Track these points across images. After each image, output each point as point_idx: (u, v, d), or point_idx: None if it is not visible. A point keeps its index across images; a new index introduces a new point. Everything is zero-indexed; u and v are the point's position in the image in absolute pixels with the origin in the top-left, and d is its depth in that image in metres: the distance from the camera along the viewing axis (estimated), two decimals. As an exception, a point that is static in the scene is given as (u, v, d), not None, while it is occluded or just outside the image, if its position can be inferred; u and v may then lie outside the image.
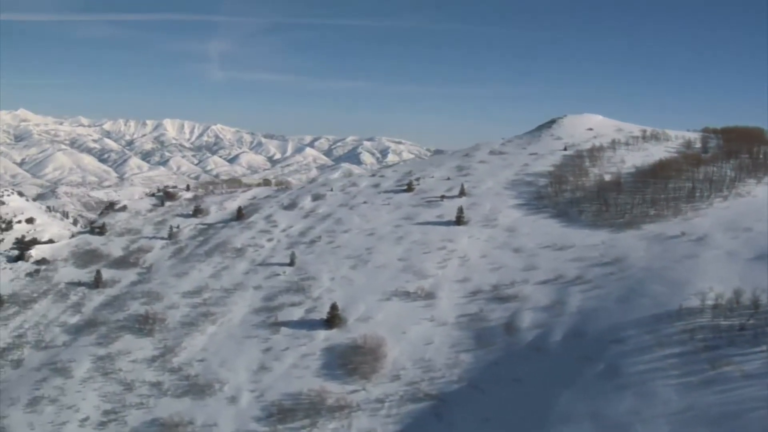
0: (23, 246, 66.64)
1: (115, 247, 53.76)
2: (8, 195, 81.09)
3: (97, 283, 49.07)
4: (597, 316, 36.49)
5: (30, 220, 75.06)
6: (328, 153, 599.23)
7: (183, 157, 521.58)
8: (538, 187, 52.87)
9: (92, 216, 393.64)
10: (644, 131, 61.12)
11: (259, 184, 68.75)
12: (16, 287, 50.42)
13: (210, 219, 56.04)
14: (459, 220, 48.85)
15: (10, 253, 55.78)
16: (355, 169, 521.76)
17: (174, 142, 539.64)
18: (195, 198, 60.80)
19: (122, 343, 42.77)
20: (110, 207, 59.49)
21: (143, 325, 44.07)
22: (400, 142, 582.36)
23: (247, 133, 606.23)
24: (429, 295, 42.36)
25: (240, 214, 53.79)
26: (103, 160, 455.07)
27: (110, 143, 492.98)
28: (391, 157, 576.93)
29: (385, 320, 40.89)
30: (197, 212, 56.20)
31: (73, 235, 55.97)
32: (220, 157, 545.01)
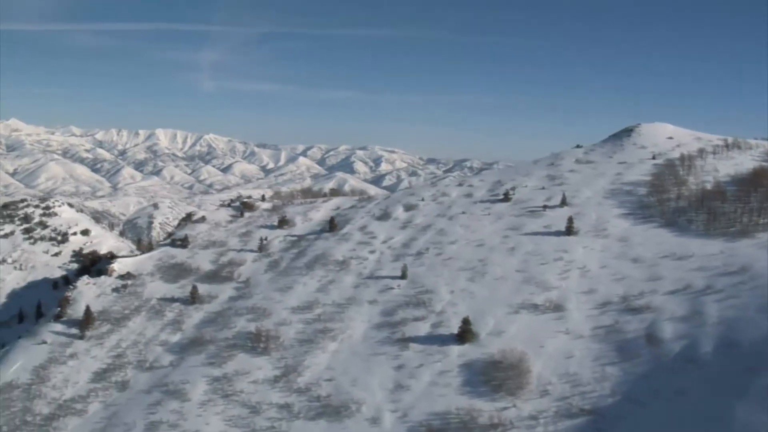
0: (89, 259, 63.01)
1: (202, 261, 50.63)
2: (59, 206, 76.91)
3: (193, 298, 45.94)
4: (743, 326, 34.97)
5: (85, 232, 71.07)
6: (321, 162, 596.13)
7: (176, 166, 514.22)
8: (639, 197, 51.43)
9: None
10: (725, 140, 60.32)
11: (324, 194, 66.06)
12: (105, 303, 47.00)
13: (298, 230, 53.25)
14: (569, 230, 47.03)
15: (77, 267, 52.15)
16: (350, 179, 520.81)
17: (167, 151, 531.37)
18: (274, 208, 57.90)
19: (237, 362, 39.84)
20: (188, 219, 56.20)
21: (256, 343, 41.19)
22: (393, 151, 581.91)
23: (239, 143, 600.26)
24: (558, 308, 40.45)
25: (333, 225, 51.14)
26: (96, 170, 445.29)
27: (103, 153, 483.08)
28: (384, 166, 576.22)
29: (518, 334, 38.84)
30: (283, 223, 53.37)
31: (150, 248, 52.61)
32: (213, 166, 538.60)
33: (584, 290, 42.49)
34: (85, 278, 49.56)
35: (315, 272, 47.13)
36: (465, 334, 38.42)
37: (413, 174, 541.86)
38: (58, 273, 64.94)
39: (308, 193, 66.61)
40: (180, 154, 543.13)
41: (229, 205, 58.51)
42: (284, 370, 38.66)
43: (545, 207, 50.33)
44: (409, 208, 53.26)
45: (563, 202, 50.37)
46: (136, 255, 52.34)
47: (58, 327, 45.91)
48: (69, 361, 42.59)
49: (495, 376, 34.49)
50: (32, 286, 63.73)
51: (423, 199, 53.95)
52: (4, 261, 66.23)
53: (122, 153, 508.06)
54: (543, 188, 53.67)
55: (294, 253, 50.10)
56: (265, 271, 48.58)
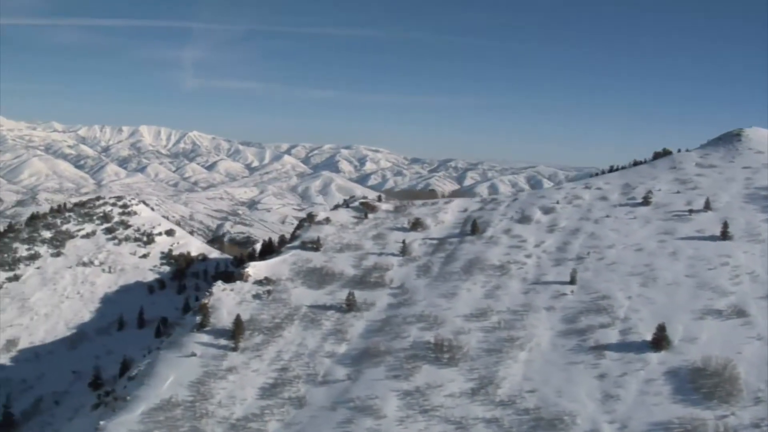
0: (184, 261, 58.31)
1: (343, 265, 46.90)
2: (136, 204, 71.02)
3: (350, 306, 42.29)
4: None
5: (170, 232, 65.64)
6: (305, 161, 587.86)
7: (161, 164, 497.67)
8: (778, 201, 50.45)
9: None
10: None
11: (441, 195, 62.78)
12: (250, 312, 42.79)
13: (434, 233, 50.11)
14: (725, 235, 45.60)
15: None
16: (336, 178, 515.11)
17: (151, 148, 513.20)
18: (396, 210, 54.47)
19: (424, 375, 36.60)
20: (310, 220, 52.08)
21: (439, 353, 38.03)
22: (377, 151, 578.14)
23: (224, 141, 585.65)
24: (741, 313, 39.01)
25: (475, 228, 48.24)
26: (79, 167, 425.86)
27: (86, 149, 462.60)
28: (368, 166, 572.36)
29: (710, 340, 37.15)
30: (416, 226, 50.10)
31: (278, 252, 48.36)
32: (198, 164, 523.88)
33: (761, 295, 41.21)
34: (219, 284, 45.09)
35: (475, 277, 44.19)
36: (660, 341, 36.48)
37: (398, 174, 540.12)
38: (149, 276, 59.72)
39: (407, 195, 63.23)
40: (164, 152, 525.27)
41: (347, 206, 54.78)
42: (479, 382, 35.71)
43: (690, 211, 48.77)
44: (547, 211, 50.85)
45: (707, 207, 48.94)
46: (272, 258, 48.04)
47: (204, 338, 41.46)
48: (229, 376, 38.33)
49: (703, 384, 32.70)
50: (125, 290, 58.40)
51: (558, 202, 51.62)
52: (90, 263, 60.50)
53: (105, 149, 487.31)
54: (678, 192, 52.14)
55: (441, 257, 46.99)
56: (418, 276, 45.30)
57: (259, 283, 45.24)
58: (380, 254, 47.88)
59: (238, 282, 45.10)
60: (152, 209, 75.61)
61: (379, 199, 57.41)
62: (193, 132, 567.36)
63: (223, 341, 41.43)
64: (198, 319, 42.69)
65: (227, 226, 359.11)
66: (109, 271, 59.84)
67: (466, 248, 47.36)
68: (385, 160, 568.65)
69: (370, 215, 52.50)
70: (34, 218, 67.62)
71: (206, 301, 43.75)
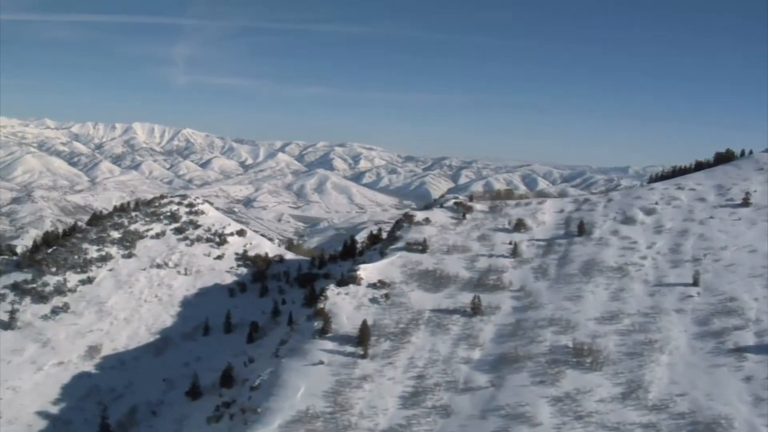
0: (264, 263, 55.94)
1: (455, 267, 45.18)
2: (201, 204, 67.93)
3: (475, 310, 40.64)
4: None
5: (241, 233, 62.75)
6: (299, 158, 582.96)
7: (154, 161, 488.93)
8: None
9: (69, 220, 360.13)
10: None
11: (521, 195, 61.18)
12: (373, 316, 40.80)
13: (538, 234, 48.70)
14: (838, 235, 45.00)
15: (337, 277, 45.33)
16: (330, 176, 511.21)
17: (144, 146, 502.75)
18: (491, 210, 52.84)
19: (570, 380, 35.33)
20: (409, 220, 50.11)
21: (579, 357, 36.84)
22: (371, 149, 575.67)
23: (217, 138, 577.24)
24: None
25: (582, 230, 46.96)
26: (73, 164, 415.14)
27: (79, 146, 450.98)
28: (363, 164, 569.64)
29: None
30: (519, 227, 48.59)
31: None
32: (192, 161, 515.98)
33: None
34: (332, 287, 43.02)
35: (596, 280, 42.94)
36: (800, 343, 36.00)
37: (393, 172, 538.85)
38: (227, 278, 56.89)
39: (495, 195, 61.85)
40: (158, 149, 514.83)
41: (441, 206, 52.98)
42: (627, 386, 34.58)
43: (794, 212, 48.15)
44: (648, 212, 49.90)
45: (809, 207, 48.39)
46: (383, 261, 45.91)
47: (328, 344, 39.39)
48: (364, 385, 36.44)
49: None
50: (204, 293, 55.51)
51: (657, 203, 50.66)
52: (165, 265, 57.47)
53: (99, 147, 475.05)
54: (771, 193, 51.58)
55: (555, 259, 45.62)
56: (536, 279, 43.85)
57: (373, 286, 43.25)
58: (490, 256, 46.31)
59: (351, 285, 43.03)
60: (217, 209, 72.68)
61: (471, 199, 55.79)
62: (186, 129, 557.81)
63: (349, 348, 39.43)
64: (317, 324, 40.56)
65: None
66: (185, 273, 56.88)
67: (578, 250, 46.07)
68: (379, 158, 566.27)
69: (468, 216, 50.80)
70: (98, 217, 64.09)
71: (322, 305, 41.62)
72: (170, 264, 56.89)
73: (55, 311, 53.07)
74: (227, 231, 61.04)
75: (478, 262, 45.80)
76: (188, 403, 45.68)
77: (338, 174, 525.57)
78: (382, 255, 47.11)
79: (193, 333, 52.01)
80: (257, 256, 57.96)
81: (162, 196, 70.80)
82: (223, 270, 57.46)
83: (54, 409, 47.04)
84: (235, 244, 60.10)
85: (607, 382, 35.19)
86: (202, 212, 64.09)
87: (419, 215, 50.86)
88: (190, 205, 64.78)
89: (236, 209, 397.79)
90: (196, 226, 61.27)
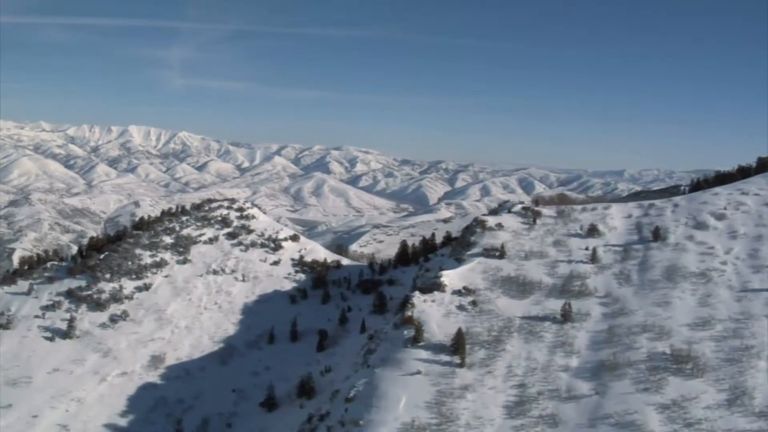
0: (324, 268, 54.55)
1: (536, 274, 44.32)
2: (250, 208, 66.13)
3: (565, 317, 39.77)
4: None
5: (295, 238, 61.11)
6: (295, 162, 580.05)
7: (151, 164, 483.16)
8: None
9: (67, 223, 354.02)
10: None
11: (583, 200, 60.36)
12: (464, 324, 39.66)
13: (612, 239, 48.02)
14: None
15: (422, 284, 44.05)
16: (328, 179, 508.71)
17: (141, 149, 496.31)
18: (559, 215, 52.00)
19: (673, 387, 34.69)
20: (482, 226, 49.08)
21: (679, 364, 36.16)
22: (367, 152, 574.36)
23: (213, 141, 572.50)
24: None
25: (657, 235, 46.38)
26: (69, 167, 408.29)
27: (75, 149, 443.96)
28: (359, 167, 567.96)
29: None
30: (592, 232, 47.87)
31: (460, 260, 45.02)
32: (189, 164, 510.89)
33: None
34: (417, 294, 41.80)
35: (681, 285, 42.35)
36: None
37: (389, 175, 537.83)
38: (286, 284, 55.22)
39: (560, 199, 61.02)
40: (154, 152, 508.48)
41: (509, 211, 51.96)
42: (731, 392, 33.99)
43: None
44: (718, 217, 49.55)
45: None
46: (464, 267, 44.79)
47: (423, 354, 38.20)
48: (466, 395, 35.36)
49: None
50: (264, 300, 53.87)
51: (725, 208, 50.28)
52: (221, 271, 55.75)
53: (95, 149, 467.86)
54: (838, 198, 51.46)
55: (634, 265, 44.97)
56: (620, 285, 43.13)
57: (458, 293, 42.17)
58: (569, 262, 45.53)
59: (436, 293, 41.87)
60: (264, 213, 70.90)
61: (536, 203, 54.95)
62: (182, 132, 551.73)
63: (444, 357, 38.27)
64: (407, 333, 39.34)
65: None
66: (243, 280, 55.22)
67: (656, 255, 45.49)
68: (375, 161, 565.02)
69: (538, 221, 49.93)
70: (148, 222, 61.94)
71: (410, 313, 40.39)
72: (227, 270, 55.19)
73: (113, 319, 51.19)
74: (281, 236, 59.45)
75: (558, 268, 44.99)
76: (264, 415, 44.19)
77: (335, 177, 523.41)
78: (459, 261, 46.02)
79: (258, 341, 50.42)
80: (315, 262, 56.44)
81: (210, 200, 69.01)
82: (281, 276, 55.87)
83: (122, 422, 45.22)
84: (290, 250, 58.50)
85: (711, 388, 34.53)
86: (253, 216, 62.40)
87: (491, 220, 49.84)
88: (240, 209, 63.06)
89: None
90: (249, 231, 59.57)
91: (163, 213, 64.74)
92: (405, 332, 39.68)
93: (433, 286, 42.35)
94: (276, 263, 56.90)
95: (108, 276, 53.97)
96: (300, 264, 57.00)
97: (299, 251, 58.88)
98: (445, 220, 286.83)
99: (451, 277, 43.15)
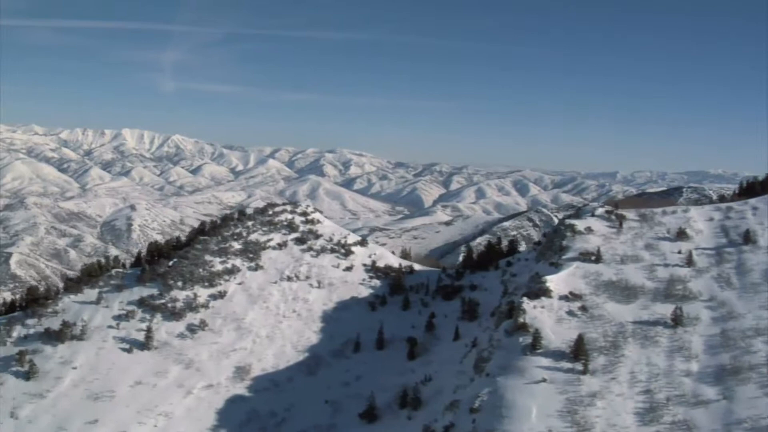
0: (399, 274, 53.11)
1: (637, 278, 43.65)
2: (313, 213, 64.17)
3: (676, 321, 39.07)
4: None
5: (363, 243, 59.44)
6: (289, 165, 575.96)
7: (145, 167, 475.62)
8: None
9: (63, 227, 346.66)
10: None
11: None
12: (579, 330, 38.61)
13: (702, 243, 47.57)
14: None
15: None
16: (323, 182, 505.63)
17: (134, 152, 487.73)
18: (642, 218, 51.42)
19: None
20: (570, 229, 48.21)
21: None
22: (361, 155, 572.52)
23: (207, 144, 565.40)
24: None
25: (747, 239, 46.14)
26: (63, 170, 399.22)
27: (69, 153, 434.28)
28: (353, 170, 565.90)
29: None
30: (681, 236, 47.37)
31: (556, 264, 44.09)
32: (183, 168, 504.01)
33: None
34: (525, 300, 40.68)
35: (787, 288, 41.98)
36: None
37: (383, 178, 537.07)
38: (362, 290, 53.44)
39: (636, 202, 60.40)
40: (148, 155, 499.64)
41: (592, 215, 51.22)
42: None
43: None
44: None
45: None
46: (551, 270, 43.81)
47: (543, 361, 37.10)
48: (596, 402, 34.36)
49: None
50: (343, 307, 52.04)
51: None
52: (295, 277, 53.83)
53: (88, 153, 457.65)
54: None
55: (731, 268, 44.56)
56: (722, 288, 42.63)
57: (565, 298, 41.20)
58: (665, 265, 44.96)
59: (543, 298, 40.84)
60: (326, 217, 68.94)
61: (616, 206, 54.29)
62: (175, 135, 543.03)
63: (565, 364, 37.20)
64: (522, 339, 38.20)
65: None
66: (318, 286, 53.33)
67: (752, 258, 45.19)
68: (369, 164, 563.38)
69: (624, 224, 49.28)
70: (214, 227, 59.63)
71: (522, 320, 39.27)
72: (300, 276, 53.35)
73: (191, 329, 48.99)
74: (350, 241, 57.81)
75: (656, 272, 44.37)
76: (364, 426, 42.51)
77: (329, 180, 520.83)
78: (554, 266, 45.07)
79: (343, 350, 48.70)
80: (388, 267, 55.00)
81: (274, 204, 66.98)
82: (356, 282, 54.25)
83: (215, 436, 43.21)
84: (360, 255, 56.91)
85: (842, 390, 34.22)
86: (318, 221, 60.62)
87: (579, 224, 49.05)
88: (304, 213, 61.20)
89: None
90: (317, 236, 57.76)
91: (225, 218, 62.64)
92: (521, 339, 38.58)
93: (539, 291, 41.31)
94: (349, 269, 55.23)
95: (180, 284, 51.71)
96: (373, 269, 55.45)
97: (369, 256, 57.36)
98: (447, 223, 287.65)
99: (555, 283, 42.20)
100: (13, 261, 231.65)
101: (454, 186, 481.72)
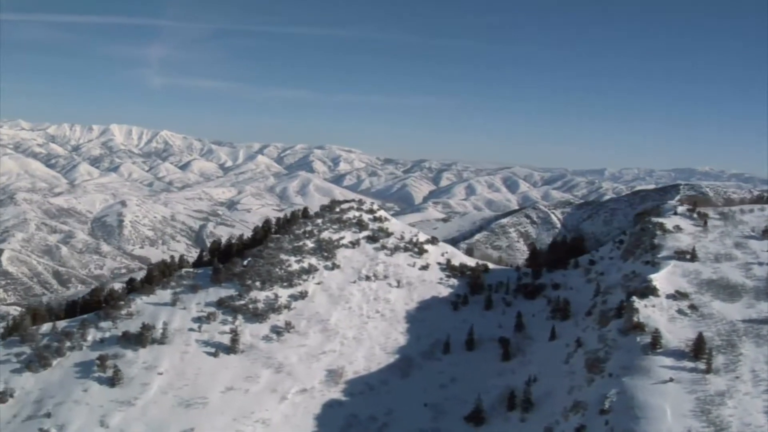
0: (476, 272, 51.68)
1: (735, 276, 43.47)
2: (379, 210, 61.99)
3: (784, 319, 38.80)
4: None
5: (434, 241, 57.76)
6: (278, 161, 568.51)
7: (133, 163, 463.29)
8: None
9: (54, 223, 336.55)
10: None
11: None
12: (692, 329, 38.01)
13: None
14: None
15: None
16: (313, 178, 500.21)
17: (123, 148, 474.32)
18: (722, 216, 51.12)
19: None
20: (659, 227, 47.52)
21: None
22: (350, 151, 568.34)
23: (195, 140, 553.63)
24: None
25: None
26: (50, 166, 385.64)
27: (56, 148, 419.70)
28: (342, 166, 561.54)
29: None
30: (766, 233, 47.28)
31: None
32: (171, 163, 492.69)
33: None
34: (635, 299, 39.86)
35: None
36: None
37: (373, 174, 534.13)
38: (441, 290, 51.85)
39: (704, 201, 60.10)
40: (136, 151, 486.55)
41: (675, 213, 50.65)
42: None
43: None
44: None
45: None
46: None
47: (665, 360, 36.38)
48: (726, 401, 33.83)
49: None
50: (425, 307, 50.42)
51: None
52: (373, 276, 51.99)
53: (76, 148, 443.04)
54: None
55: (821, 266, 44.55)
56: (816, 286, 42.58)
57: (672, 297, 40.56)
58: (760, 264, 44.79)
59: (651, 297, 40.12)
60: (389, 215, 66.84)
61: (695, 205, 53.89)
62: (164, 131, 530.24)
63: (687, 363, 36.55)
64: (640, 339, 37.41)
65: (210, 227, 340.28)
66: (398, 286, 51.70)
67: (840, 256, 45.28)
68: (358, 160, 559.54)
69: (708, 223, 49.00)
70: (285, 224, 57.16)
71: (636, 319, 38.47)
72: (379, 276, 51.63)
73: (276, 331, 46.81)
74: (421, 239, 56.23)
75: (753, 270, 44.21)
76: (471, 430, 41.23)
77: (319, 176, 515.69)
78: (651, 264, 44.43)
79: (433, 351, 47.17)
80: (464, 266, 53.67)
81: (340, 201, 64.68)
82: (433, 281, 52.76)
83: (317, 443, 41.29)
84: (434, 253, 55.40)
85: None
86: (386, 219, 58.78)
87: (668, 223, 48.54)
88: (371, 211, 59.29)
89: (220, 212, 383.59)
90: (388, 234, 55.98)
91: (293, 215, 60.15)
92: (638, 339, 37.79)
93: (645, 290, 40.60)
94: (425, 268, 53.68)
95: (258, 284, 49.39)
96: (449, 268, 54.04)
97: (442, 255, 55.91)
98: (444, 220, 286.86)
99: (659, 282, 41.55)
100: (4, 258, 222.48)
101: (444, 182, 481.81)
